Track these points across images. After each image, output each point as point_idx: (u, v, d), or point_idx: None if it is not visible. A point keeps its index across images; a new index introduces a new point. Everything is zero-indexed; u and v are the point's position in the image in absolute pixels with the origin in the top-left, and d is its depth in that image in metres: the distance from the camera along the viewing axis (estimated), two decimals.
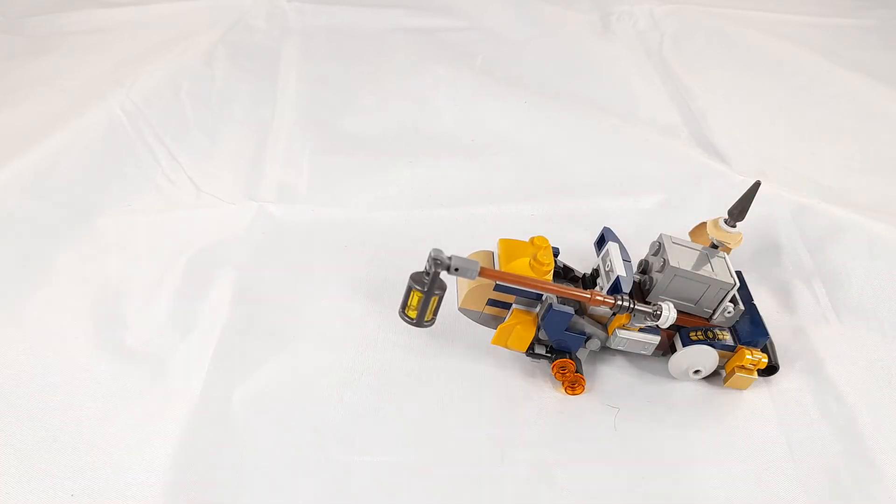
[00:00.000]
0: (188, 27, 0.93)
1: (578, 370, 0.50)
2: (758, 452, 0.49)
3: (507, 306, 0.50)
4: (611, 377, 0.53)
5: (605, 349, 0.52)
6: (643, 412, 0.51)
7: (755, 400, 0.52)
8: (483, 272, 0.44)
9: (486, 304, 0.50)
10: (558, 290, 0.47)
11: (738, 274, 0.55)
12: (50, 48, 0.88)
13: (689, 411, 0.52)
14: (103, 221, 0.63)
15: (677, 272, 0.49)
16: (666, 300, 0.48)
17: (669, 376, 0.53)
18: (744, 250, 0.63)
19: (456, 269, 0.43)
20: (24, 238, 0.61)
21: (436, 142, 0.78)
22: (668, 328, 0.49)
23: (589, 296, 0.47)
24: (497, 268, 0.49)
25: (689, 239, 0.55)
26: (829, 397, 0.52)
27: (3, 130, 0.73)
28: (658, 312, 0.47)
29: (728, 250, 0.53)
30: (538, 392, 0.52)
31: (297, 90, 0.84)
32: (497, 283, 0.48)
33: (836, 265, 0.63)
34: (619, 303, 0.47)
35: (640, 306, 0.47)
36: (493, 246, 0.52)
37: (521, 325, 0.49)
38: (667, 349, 0.53)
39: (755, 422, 0.51)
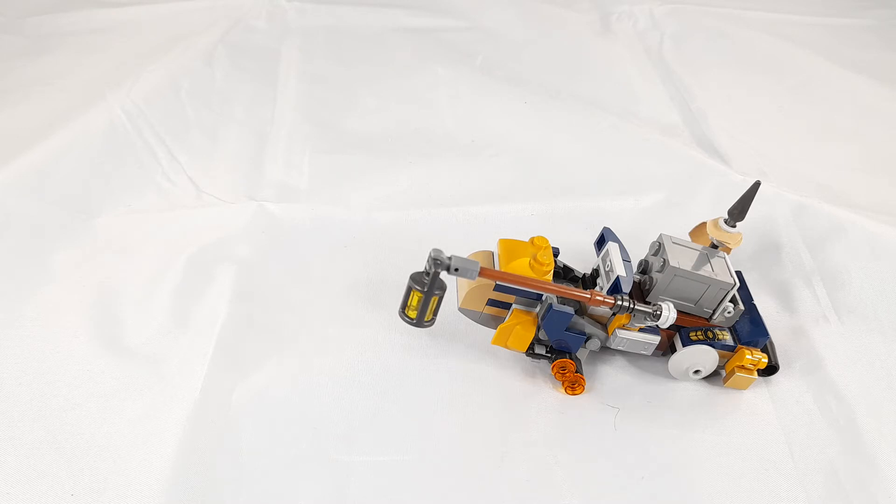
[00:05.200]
0: (188, 27, 0.93)
1: (578, 370, 0.50)
2: (758, 452, 0.49)
3: (507, 306, 0.50)
4: (611, 377, 0.53)
5: (605, 349, 0.52)
6: (643, 412, 0.51)
7: (755, 400, 0.52)
8: (483, 272, 0.44)
9: (486, 304, 0.50)
10: (558, 291, 0.47)
11: (738, 274, 0.55)
12: (50, 48, 0.88)
13: (689, 411, 0.52)
14: (103, 221, 0.63)
15: (677, 272, 0.49)
16: (666, 300, 0.48)
17: (669, 376, 0.53)
18: (744, 250, 0.63)
19: (456, 270, 0.43)
20: (24, 238, 0.61)
21: (436, 142, 0.78)
22: (668, 328, 0.49)
23: (589, 296, 0.47)
24: (497, 268, 0.49)
25: (689, 239, 0.55)
26: (829, 397, 0.52)
27: (3, 130, 0.73)
28: (658, 312, 0.47)
29: (728, 250, 0.53)
30: (538, 392, 0.52)
31: (297, 90, 0.84)
32: (497, 283, 0.48)
33: (836, 265, 0.63)
34: (619, 303, 0.47)
35: (639, 306, 0.47)
36: (493, 246, 0.52)
37: (521, 326, 0.49)
38: (667, 349, 0.53)
39: (755, 422, 0.51)
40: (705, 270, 0.49)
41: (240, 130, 0.77)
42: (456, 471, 0.46)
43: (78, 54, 0.87)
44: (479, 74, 0.90)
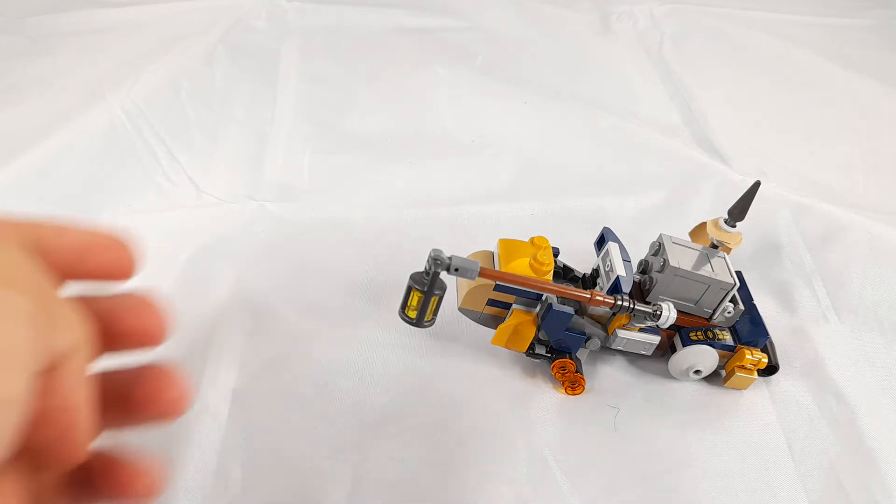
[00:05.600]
0: (188, 27, 0.93)
1: (578, 370, 0.50)
2: (758, 452, 0.49)
3: (507, 306, 0.50)
4: (611, 377, 0.53)
5: (605, 349, 0.52)
6: (643, 412, 0.51)
7: (755, 400, 0.52)
8: (483, 272, 0.43)
9: (486, 304, 0.50)
10: (558, 291, 0.46)
11: (738, 274, 0.55)
12: (50, 48, 0.88)
13: (689, 411, 0.52)
14: (104, 220, 0.63)
15: (677, 272, 0.49)
16: (666, 300, 0.48)
17: (669, 376, 0.53)
18: (744, 250, 0.63)
19: (456, 270, 0.42)
20: None
21: (436, 142, 0.78)
22: (668, 328, 0.49)
23: (589, 296, 0.47)
24: (497, 268, 0.49)
25: (689, 239, 0.55)
26: (829, 397, 0.52)
27: (3, 130, 0.73)
28: (658, 312, 0.47)
29: (728, 250, 0.53)
30: (538, 392, 0.52)
31: (297, 90, 0.84)
32: (497, 283, 0.48)
33: (836, 265, 0.63)
34: (619, 303, 0.47)
35: (640, 306, 0.47)
36: (493, 246, 0.52)
37: (521, 325, 0.49)
38: (667, 349, 0.52)
39: (755, 422, 0.51)
40: (705, 270, 0.49)
41: (240, 130, 0.77)
42: (456, 470, 0.46)
43: (78, 54, 0.87)
44: (479, 74, 0.90)
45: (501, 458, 0.47)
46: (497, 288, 0.48)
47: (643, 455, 0.48)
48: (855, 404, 0.52)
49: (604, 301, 0.47)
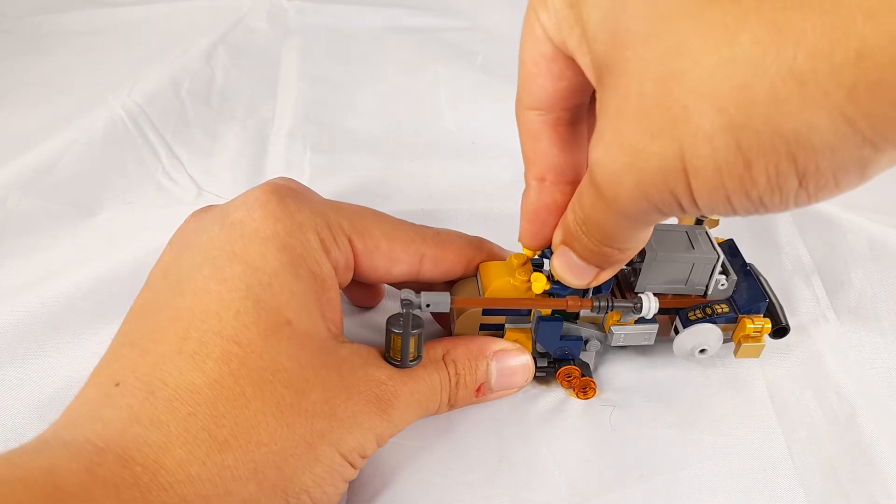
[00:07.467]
0: (188, 27, 0.93)
1: (586, 374, 0.50)
2: (757, 452, 0.49)
3: (500, 327, 0.50)
4: (610, 376, 0.53)
5: (609, 347, 0.52)
6: (643, 412, 0.51)
7: (754, 400, 0.52)
8: (455, 302, 0.43)
9: (479, 328, 0.49)
10: (534, 304, 0.46)
11: (730, 241, 0.54)
12: (50, 48, 0.88)
13: (688, 411, 0.51)
14: (105, 219, 0.63)
15: (657, 257, 0.48)
16: (647, 291, 0.48)
17: (669, 375, 0.53)
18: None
19: (427, 306, 0.42)
20: (26, 236, 0.61)
21: (436, 142, 0.78)
22: (667, 313, 0.48)
23: (566, 302, 0.46)
24: (480, 293, 0.49)
25: (675, 221, 0.54)
26: (830, 396, 0.52)
27: (3, 130, 0.73)
28: (638, 305, 0.47)
29: (715, 223, 0.52)
30: (537, 392, 0.52)
31: (297, 90, 0.84)
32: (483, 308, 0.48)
33: (836, 265, 0.63)
34: (597, 303, 0.47)
35: (619, 303, 0.47)
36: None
37: (517, 343, 0.49)
38: (670, 332, 0.52)
39: (754, 421, 0.51)
40: (687, 249, 0.49)
41: (240, 130, 0.77)
42: (454, 471, 0.46)
43: (78, 54, 0.87)
44: (479, 74, 0.90)
45: (499, 459, 0.47)
46: (485, 312, 0.48)
47: (642, 455, 0.48)
48: (855, 404, 0.52)
49: (581, 304, 0.46)
